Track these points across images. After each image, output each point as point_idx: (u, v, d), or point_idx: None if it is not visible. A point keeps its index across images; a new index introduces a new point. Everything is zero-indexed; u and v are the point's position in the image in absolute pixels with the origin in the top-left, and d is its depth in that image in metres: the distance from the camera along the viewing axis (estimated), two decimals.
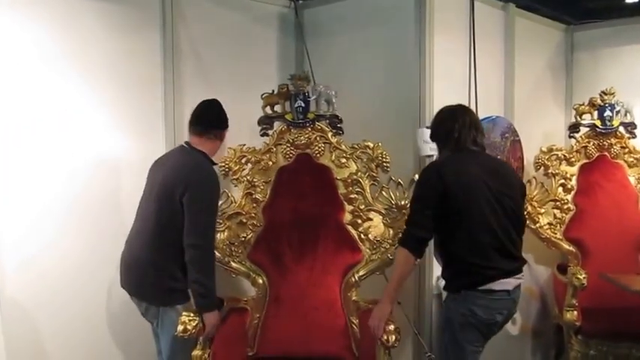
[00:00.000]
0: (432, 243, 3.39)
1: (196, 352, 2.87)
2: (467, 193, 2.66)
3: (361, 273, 3.24)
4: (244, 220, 3.32)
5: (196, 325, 2.76)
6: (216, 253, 3.18)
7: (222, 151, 3.26)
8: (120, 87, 3.28)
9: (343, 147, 3.38)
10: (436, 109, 3.40)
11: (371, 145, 3.35)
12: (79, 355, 3.18)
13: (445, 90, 3.55)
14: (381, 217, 3.29)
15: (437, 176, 2.70)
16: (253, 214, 3.34)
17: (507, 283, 2.67)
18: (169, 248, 2.80)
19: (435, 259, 3.50)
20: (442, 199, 2.65)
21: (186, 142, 2.99)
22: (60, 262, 3.08)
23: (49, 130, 3.06)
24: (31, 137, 3.00)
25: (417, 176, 3.19)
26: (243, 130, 3.66)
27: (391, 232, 3.25)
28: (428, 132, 3.35)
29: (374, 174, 3.33)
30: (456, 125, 2.79)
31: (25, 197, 2.99)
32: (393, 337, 2.69)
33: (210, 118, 2.99)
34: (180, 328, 2.74)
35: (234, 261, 3.26)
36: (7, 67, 2.92)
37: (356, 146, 3.38)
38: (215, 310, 2.83)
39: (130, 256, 2.92)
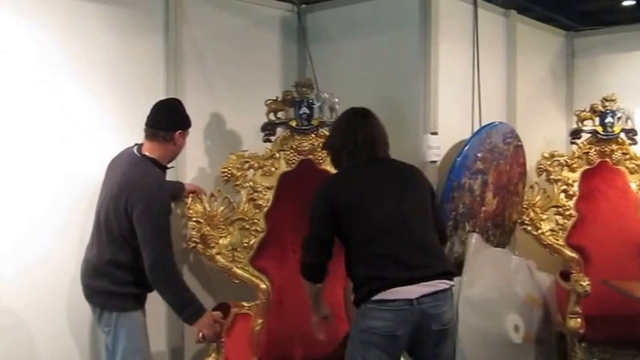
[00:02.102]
0: None
1: (208, 359, 2.87)
2: (359, 207, 2.55)
3: None
4: (247, 226, 3.29)
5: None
6: (219, 259, 3.20)
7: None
8: (122, 90, 3.23)
9: None
10: (441, 115, 3.47)
11: None
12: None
13: (449, 96, 3.56)
14: None
15: (328, 195, 2.63)
16: (256, 220, 3.31)
17: (407, 292, 2.45)
18: (119, 257, 2.75)
19: None
20: (337, 217, 2.56)
21: (138, 146, 2.88)
22: (56, 272, 3.02)
23: (48, 135, 3.00)
24: (30, 141, 2.95)
25: None
26: (245, 135, 3.68)
27: None
28: (432, 138, 3.37)
29: None
30: (356, 141, 2.65)
31: (22, 204, 2.93)
32: None
33: (158, 119, 2.81)
34: (200, 335, 2.74)
35: (237, 267, 3.22)
36: (8, 69, 2.87)
37: None
38: (199, 318, 2.73)
39: (85, 261, 2.87)
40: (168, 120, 2.82)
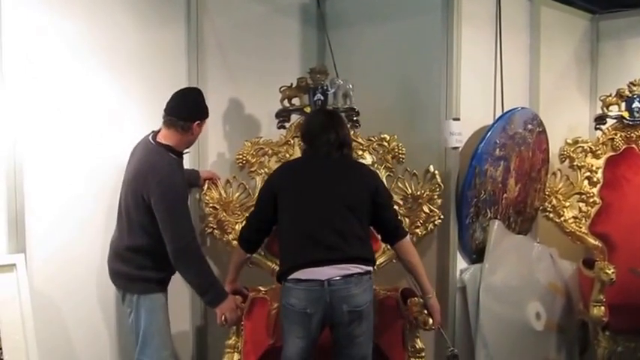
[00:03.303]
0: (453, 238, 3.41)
1: (230, 342, 2.91)
2: (287, 191, 2.78)
3: (379, 261, 3.19)
4: None
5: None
6: (236, 244, 3.17)
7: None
8: (145, 78, 3.28)
9: (360, 139, 3.38)
10: (463, 100, 3.43)
11: (387, 137, 3.36)
12: (103, 343, 3.23)
13: (471, 81, 3.51)
14: (396, 207, 3.24)
15: (270, 178, 2.93)
16: None
17: (319, 273, 2.63)
18: (137, 242, 2.83)
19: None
20: (274, 201, 2.78)
21: (154, 133, 2.91)
22: (85, 254, 3.11)
23: (74, 124, 3.06)
24: (57, 130, 3.01)
25: (432, 167, 3.26)
26: (264, 122, 3.72)
27: (407, 221, 3.25)
28: (454, 124, 3.34)
29: (389, 165, 3.35)
30: (313, 141, 2.85)
31: (52, 190, 3.00)
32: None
33: (178, 109, 2.85)
34: (223, 318, 2.81)
35: None
36: (34, 60, 2.92)
37: (372, 138, 3.39)
38: (222, 302, 2.82)
39: (110, 244, 2.97)
40: (188, 110, 2.86)
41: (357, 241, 2.72)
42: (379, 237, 3.01)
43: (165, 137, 2.86)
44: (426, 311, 2.87)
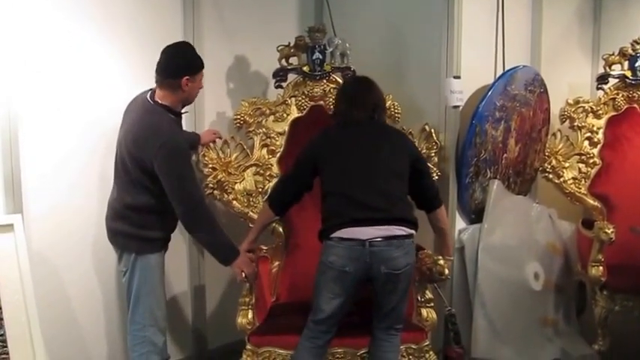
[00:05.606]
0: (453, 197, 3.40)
1: (245, 299, 2.88)
2: (332, 155, 2.80)
3: None
4: (261, 172, 3.35)
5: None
6: (236, 204, 3.26)
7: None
8: (139, 37, 3.24)
9: None
10: (464, 58, 3.38)
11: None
12: (98, 298, 3.26)
13: (472, 39, 3.45)
14: None
15: (314, 145, 2.90)
16: (270, 165, 3.36)
17: (360, 232, 2.64)
18: (136, 200, 2.79)
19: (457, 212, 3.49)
20: (315, 165, 2.81)
21: (152, 92, 2.84)
22: (80, 211, 3.12)
23: (69, 80, 3.03)
24: (51, 87, 2.98)
25: (427, 126, 3.26)
26: (262, 80, 3.70)
27: None
28: (455, 82, 3.29)
29: None
30: (352, 106, 2.86)
31: (47, 150, 2.99)
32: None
33: (164, 67, 2.76)
34: (243, 275, 2.79)
35: (252, 211, 3.26)
36: (27, 18, 2.88)
37: None
38: (236, 258, 2.79)
39: (108, 204, 2.93)
40: (173, 67, 2.76)
41: (401, 202, 2.74)
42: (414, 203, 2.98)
43: (161, 97, 2.78)
44: (441, 261, 2.81)
